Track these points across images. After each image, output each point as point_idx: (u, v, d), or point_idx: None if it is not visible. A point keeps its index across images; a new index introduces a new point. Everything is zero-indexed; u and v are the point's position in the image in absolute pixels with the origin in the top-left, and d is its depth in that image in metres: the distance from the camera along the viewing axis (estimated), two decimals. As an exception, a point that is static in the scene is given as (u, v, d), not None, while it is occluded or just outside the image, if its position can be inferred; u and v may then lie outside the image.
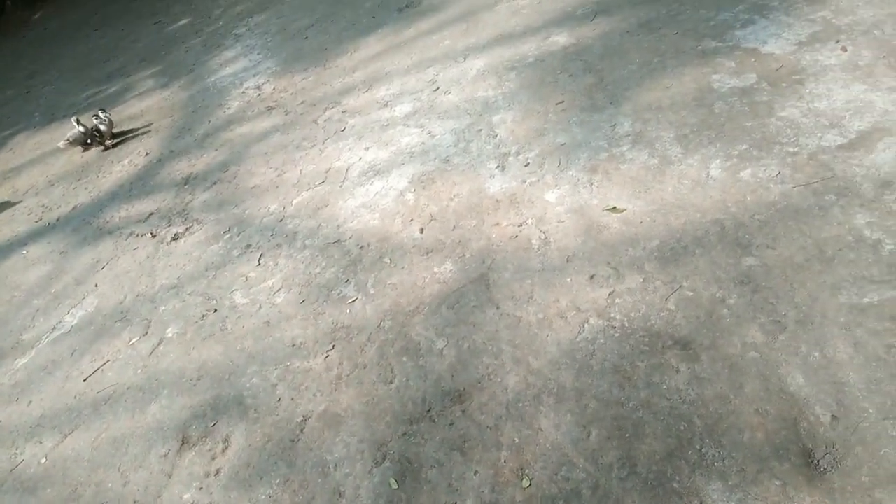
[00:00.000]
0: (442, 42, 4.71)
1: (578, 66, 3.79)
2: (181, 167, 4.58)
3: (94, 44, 8.25)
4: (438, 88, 4.19)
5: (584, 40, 4.00)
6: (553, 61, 3.95)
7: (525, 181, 3.17)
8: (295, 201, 3.74)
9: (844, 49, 3.07)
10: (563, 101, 3.58)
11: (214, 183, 4.23)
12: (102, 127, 5.26)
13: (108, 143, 5.36)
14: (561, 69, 3.84)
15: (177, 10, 8.20)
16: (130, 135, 5.39)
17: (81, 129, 5.29)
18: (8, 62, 9.00)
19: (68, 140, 5.27)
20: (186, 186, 4.32)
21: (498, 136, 3.55)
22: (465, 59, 4.37)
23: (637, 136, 3.12)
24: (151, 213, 4.19)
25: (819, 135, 2.71)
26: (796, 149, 2.70)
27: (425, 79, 4.35)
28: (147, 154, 4.95)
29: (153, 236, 3.94)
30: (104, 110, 5.33)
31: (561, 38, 4.12)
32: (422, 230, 3.16)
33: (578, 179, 3.04)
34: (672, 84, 3.34)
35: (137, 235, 4.02)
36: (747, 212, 2.56)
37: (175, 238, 3.85)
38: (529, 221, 2.94)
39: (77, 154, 5.43)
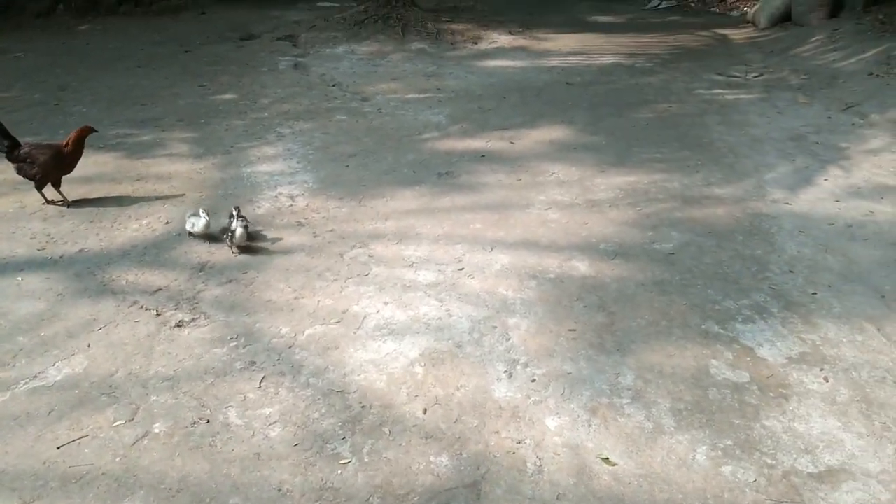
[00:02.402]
0: (473, 223, 5.12)
1: (593, 301, 4.19)
2: (199, 251, 4.70)
3: (135, 82, 8.49)
4: (463, 269, 4.52)
5: (602, 277, 4.45)
6: (571, 286, 4.35)
7: (529, 398, 3.43)
8: (307, 332, 3.89)
9: (826, 379, 3.54)
10: (575, 330, 3.93)
11: (230, 281, 4.35)
12: (240, 230, 4.55)
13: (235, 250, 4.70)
14: (577, 297, 4.24)
15: (224, 80, 8.58)
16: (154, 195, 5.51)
17: (205, 219, 4.68)
18: (42, 65, 9.12)
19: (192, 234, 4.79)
20: (201, 274, 4.43)
21: (511, 341, 3.84)
22: (491, 250, 4.76)
23: (637, 393, 3.46)
24: (160, 289, 4.25)
25: (794, 456, 3.08)
26: (773, 462, 3.05)
27: (452, 254, 4.70)
28: (167, 223, 5.06)
29: (157, 315, 3.99)
30: (238, 208, 4.71)
31: (581, 266, 4.56)
32: (425, 411, 3.34)
33: (578, 416, 3.31)
34: (675, 353, 3.73)
35: (141, 308, 4.06)
36: (722, 508, 2.85)
37: (179, 325, 3.91)
38: (528, 442, 3.16)
39: (96, 193, 5.49)
